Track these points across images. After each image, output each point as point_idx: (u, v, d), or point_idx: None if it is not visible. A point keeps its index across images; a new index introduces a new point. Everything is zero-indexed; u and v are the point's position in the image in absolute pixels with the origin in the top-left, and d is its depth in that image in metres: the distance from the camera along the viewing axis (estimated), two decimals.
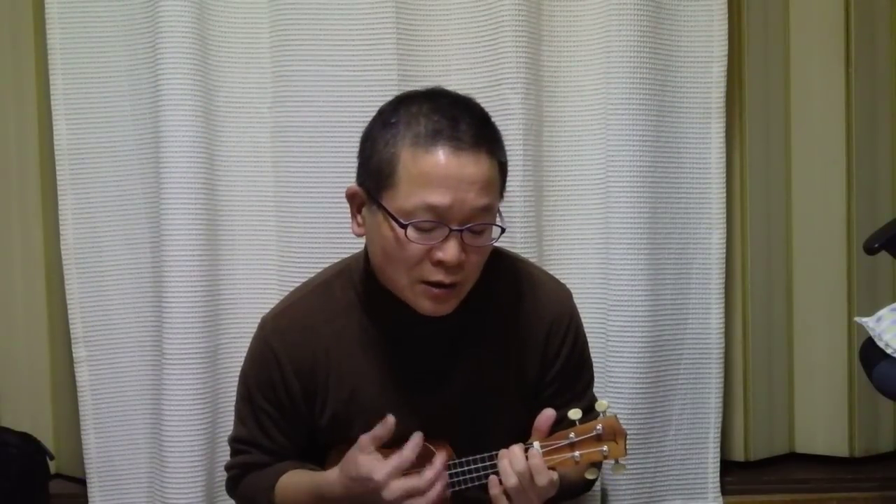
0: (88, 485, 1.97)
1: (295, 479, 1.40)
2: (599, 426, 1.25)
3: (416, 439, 1.28)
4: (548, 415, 1.27)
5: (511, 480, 1.23)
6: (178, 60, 1.82)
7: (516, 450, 1.25)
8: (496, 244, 1.35)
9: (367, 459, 1.26)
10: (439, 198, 1.23)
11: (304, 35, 1.85)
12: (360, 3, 1.85)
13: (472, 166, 1.24)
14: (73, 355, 1.95)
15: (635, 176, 1.88)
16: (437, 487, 1.26)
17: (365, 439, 1.27)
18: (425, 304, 1.29)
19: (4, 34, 2.07)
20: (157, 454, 1.88)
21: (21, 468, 1.91)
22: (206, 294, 1.85)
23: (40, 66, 2.02)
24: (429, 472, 1.26)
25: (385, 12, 1.84)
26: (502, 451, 1.27)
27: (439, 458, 1.28)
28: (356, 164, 1.33)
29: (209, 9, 1.86)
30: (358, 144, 1.34)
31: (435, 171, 1.23)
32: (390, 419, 1.28)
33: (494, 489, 1.26)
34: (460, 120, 1.26)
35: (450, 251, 1.24)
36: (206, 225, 1.85)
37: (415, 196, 1.23)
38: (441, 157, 1.23)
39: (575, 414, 1.26)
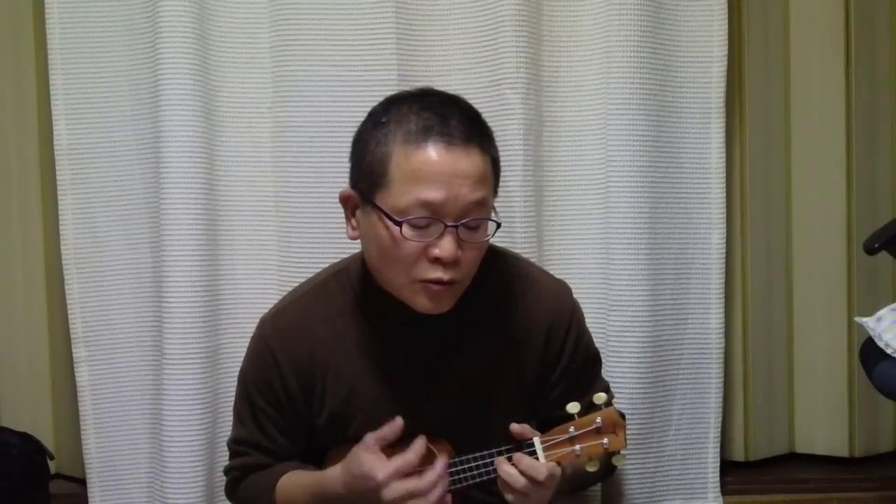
0: (88, 485, 1.97)
1: (295, 479, 1.40)
2: (599, 419, 1.25)
3: (419, 442, 1.28)
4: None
5: (520, 483, 1.24)
6: (178, 60, 1.82)
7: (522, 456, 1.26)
8: (494, 243, 1.35)
9: (371, 458, 1.26)
10: (433, 193, 1.23)
11: (304, 35, 1.85)
12: (360, 3, 1.85)
13: (465, 161, 1.25)
14: (73, 355, 1.95)
15: (635, 176, 1.87)
16: (438, 490, 1.25)
17: (371, 438, 1.27)
18: (423, 302, 1.29)
19: (4, 34, 2.07)
20: (157, 454, 1.88)
21: (21, 468, 1.91)
22: (206, 294, 1.85)
23: (40, 66, 2.02)
24: (430, 475, 1.25)
25: (385, 12, 1.84)
26: (500, 460, 1.27)
27: (441, 462, 1.28)
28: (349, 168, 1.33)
29: (209, 9, 1.86)
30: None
31: (427, 167, 1.23)
32: (398, 421, 1.28)
33: (508, 495, 1.26)
34: (450, 116, 1.26)
35: (446, 247, 1.24)
36: (206, 225, 1.85)
37: (408, 193, 1.23)
38: (433, 152, 1.24)
39: (573, 407, 1.26)
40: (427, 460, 1.30)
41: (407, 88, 1.36)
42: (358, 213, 1.32)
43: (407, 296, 1.29)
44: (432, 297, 1.28)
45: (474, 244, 1.28)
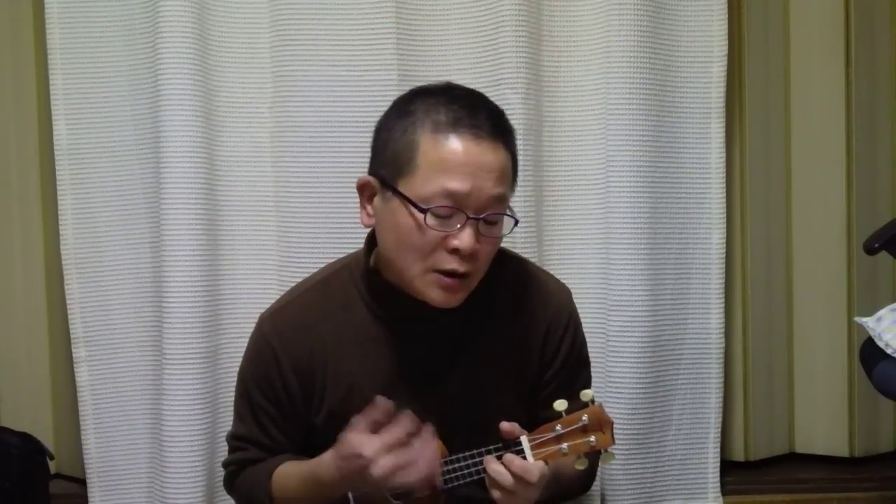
0: (88, 485, 1.97)
1: (291, 468, 1.39)
2: (585, 417, 1.24)
3: (406, 417, 1.23)
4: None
5: (508, 482, 1.23)
6: (178, 60, 1.82)
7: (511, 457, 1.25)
8: (501, 245, 1.35)
9: (357, 436, 1.23)
10: (458, 184, 1.23)
11: (304, 35, 1.86)
12: (360, 3, 1.85)
13: (491, 154, 1.26)
14: (73, 355, 1.95)
15: (635, 176, 1.88)
16: (427, 455, 1.22)
17: (358, 419, 1.24)
18: (436, 295, 1.28)
19: (4, 34, 2.07)
20: (157, 454, 1.88)
21: (21, 468, 1.91)
22: (206, 294, 1.85)
23: (40, 66, 2.03)
24: (416, 443, 1.22)
25: (385, 12, 1.85)
26: (489, 458, 1.26)
27: (428, 429, 1.24)
28: (368, 156, 1.34)
29: (209, 9, 1.86)
30: (363, 142, 1.35)
31: (455, 157, 1.24)
32: (382, 402, 1.24)
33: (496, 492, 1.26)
34: (479, 110, 1.28)
35: (466, 239, 1.25)
36: (206, 225, 1.85)
37: (434, 182, 1.24)
38: (461, 144, 1.24)
39: (560, 405, 1.25)
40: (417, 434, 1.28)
41: (408, 87, 1.36)
42: (376, 200, 1.32)
43: (419, 286, 1.29)
44: (445, 289, 1.28)
45: (491, 239, 1.29)
